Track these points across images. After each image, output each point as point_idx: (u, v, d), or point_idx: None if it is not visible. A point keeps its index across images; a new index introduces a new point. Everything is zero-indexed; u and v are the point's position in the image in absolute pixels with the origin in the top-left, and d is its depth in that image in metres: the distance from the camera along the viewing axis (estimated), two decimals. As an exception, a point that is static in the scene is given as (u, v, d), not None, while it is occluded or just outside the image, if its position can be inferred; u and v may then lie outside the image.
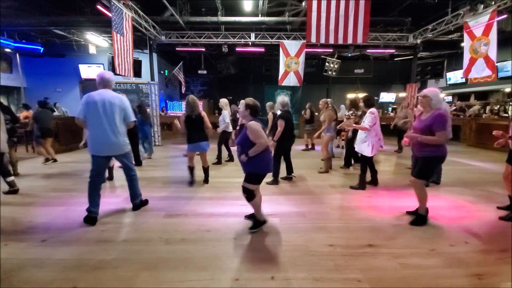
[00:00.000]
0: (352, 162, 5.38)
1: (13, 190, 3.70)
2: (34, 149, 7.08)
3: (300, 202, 3.44)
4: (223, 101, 5.70)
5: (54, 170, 5.23)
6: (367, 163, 3.96)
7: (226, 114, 5.63)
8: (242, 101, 6.15)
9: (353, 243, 2.41)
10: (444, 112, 2.61)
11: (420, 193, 2.77)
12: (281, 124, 4.00)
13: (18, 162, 5.03)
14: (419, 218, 2.81)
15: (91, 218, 2.77)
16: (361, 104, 3.92)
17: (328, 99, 5.34)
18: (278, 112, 4.46)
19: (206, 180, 4.28)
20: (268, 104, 5.42)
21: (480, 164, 5.72)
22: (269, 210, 3.13)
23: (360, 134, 3.84)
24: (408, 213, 3.02)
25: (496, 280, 1.91)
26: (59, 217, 2.98)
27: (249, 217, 2.85)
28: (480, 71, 6.60)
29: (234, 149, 5.41)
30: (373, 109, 3.72)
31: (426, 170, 2.70)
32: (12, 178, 3.73)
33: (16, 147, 4.67)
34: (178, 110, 13.66)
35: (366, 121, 3.66)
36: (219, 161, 5.80)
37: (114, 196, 3.71)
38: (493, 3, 6.39)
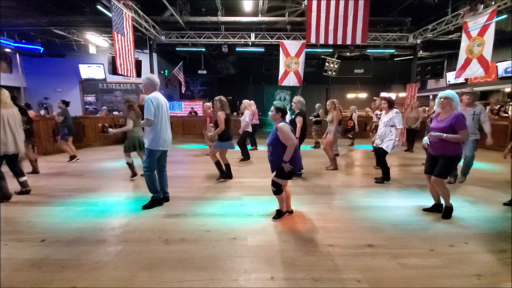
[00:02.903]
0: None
1: (25, 190, 3.71)
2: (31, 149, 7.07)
3: (299, 202, 3.44)
4: (247, 102, 6.15)
5: (54, 170, 5.23)
6: (385, 157, 4.23)
7: (247, 114, 6.01)
8: (245, 101, 6.26)
9: (353, 243, 2.41)
10: (463, 112, 2.80)
11: (443, 190, 2.88)
12: (300, 121, 4.26)
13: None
14: (447, 210, 2.94)
15: (162, 199, 3.30)
16: (385, 105, 4.16)
17: (335, 100, 5.43)
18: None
19: (230, 176, 4.51)
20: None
21: (480, 164, 5.71)
22: (269, 210, 3.13)
23: (387, 132, 4.06)
24: (425, 210, 3.15)
25: (496, 280, 1.91)
26: (58, 217, 2.97)
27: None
28: (474, 71, 6.63)
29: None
30: (397, 109, 4.09)
31: (448, 168, 2.82)
32: (25, 178, 3.73)
33: (34, 146, 4.78)
34: (178, 110, 13.65)
35: (397, 120, 3.95)
36: (245, 157, 6.03)
37: (114, 196, 3.70)
38: (493, 3, 6.38)
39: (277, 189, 2.73)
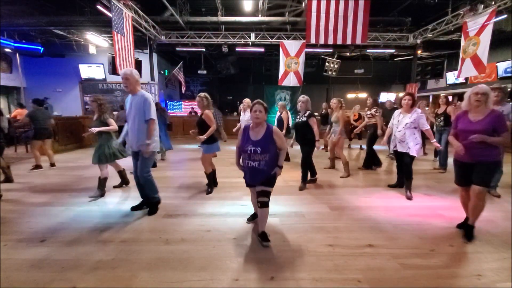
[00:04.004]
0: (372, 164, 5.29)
1: None
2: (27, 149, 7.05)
3: (299, 202, 3.44)
4: (248, 101, 5.68)
5: (53, 170, 5.23)
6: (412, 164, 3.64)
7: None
8: (248, 100, 5.98)
9: (353, 243, 2.41)
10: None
11: (482, 204, 2.44)
12: (315, 122, 3.87)
13: (15, 163, 4.95)
14: (471, 230, 2.52)
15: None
16: (409, 102, 3.49)
17: (341, 99, 4.98)
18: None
19: (216, 183, 4.09)
20: (281, 103, 5.57)
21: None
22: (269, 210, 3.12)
23: (411, 136, 3.47)
24: (460, 226, 2.70)
25: (496, 280, 1.91)
26: (58, 217, 2.97)
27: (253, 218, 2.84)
28: (468, 70, 6.66)
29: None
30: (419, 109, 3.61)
31: (491, 176, 2.42)
32: None
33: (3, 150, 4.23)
34: (178, 110, 13.65)
35: (423, 121, 3.47)
36: None
37: (114, 197, 3.70)
38: (493, 3, 6.39)
39: (268, 200, 2.40)
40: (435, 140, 3.44)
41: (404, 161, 3.62)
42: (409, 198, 3.59)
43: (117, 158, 3.75)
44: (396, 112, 3.74)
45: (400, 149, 3.58)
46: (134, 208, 3.15)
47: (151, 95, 8.69)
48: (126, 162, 4.17)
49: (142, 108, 2.81)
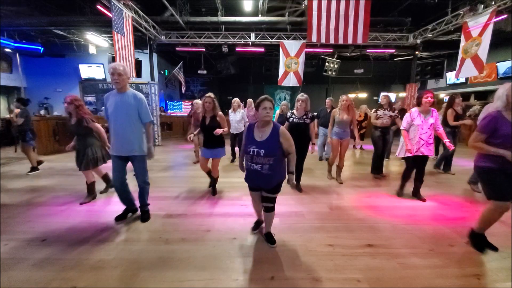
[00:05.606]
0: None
1: None
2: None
3: (299, 202, 3.45)
4: (238, 101, 5.64)
5: (53, 169, 5.23)
6: None
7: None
8: (250, 100, 5.86)
9: (353, 243, 2.42)
10: None
11: None
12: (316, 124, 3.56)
13: (14, 163, 4.97)
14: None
15: None
16: (431, 100, 3.25)
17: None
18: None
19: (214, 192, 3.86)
20: (285, 103, 5.33)
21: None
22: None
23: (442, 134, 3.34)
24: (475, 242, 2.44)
25: (496, 280, 1.91)
26: (59, 216, 2.98)
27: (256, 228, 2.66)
28: (468, 71, 6.67)
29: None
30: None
31: None
32: None
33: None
34: (178, 110, 13.66)
35: (439, 121, 3.30)
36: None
37: (114, 196, 3.70)
38: (493, 3, 6.39)
39: (274, 204, 2.31)
40: (448, 139, 3.33)
41: (424, 165, 3.44)
42: (424, 200, 3.53)
43: (102, 163, 3.51)
44: (414, 111, 3.37)
45: (426, 153, 3.30)
46: (118, 218, 2.87)
47: (152, 95, 8.73)
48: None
49: (135, 109, 2.60)
